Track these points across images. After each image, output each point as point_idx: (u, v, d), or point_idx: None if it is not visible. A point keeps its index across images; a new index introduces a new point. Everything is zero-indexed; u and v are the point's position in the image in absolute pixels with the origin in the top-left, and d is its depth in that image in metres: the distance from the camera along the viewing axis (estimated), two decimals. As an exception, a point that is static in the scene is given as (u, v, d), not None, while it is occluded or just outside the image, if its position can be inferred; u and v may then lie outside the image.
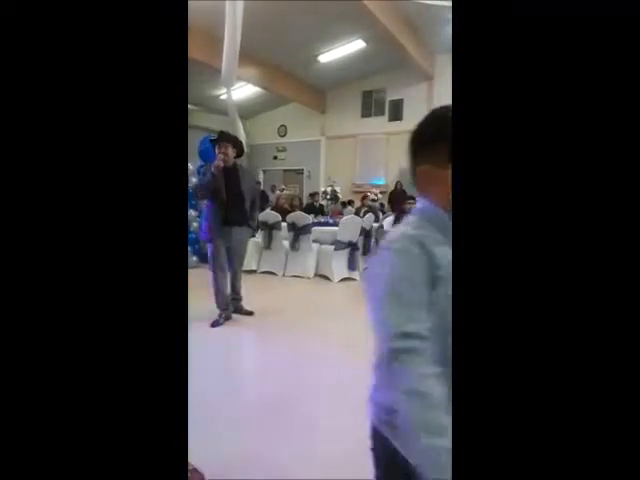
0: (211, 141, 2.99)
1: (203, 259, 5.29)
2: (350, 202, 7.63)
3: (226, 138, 2.90)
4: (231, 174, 2.91)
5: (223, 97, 4.46)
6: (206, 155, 5.23)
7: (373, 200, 6.55)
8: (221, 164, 2.78)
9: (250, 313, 3.20)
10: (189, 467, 0.64)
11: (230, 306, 3.10)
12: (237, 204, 2.90)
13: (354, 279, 4.72)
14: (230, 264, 3.03)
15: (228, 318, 3.03)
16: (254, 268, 4.95)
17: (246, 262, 4.90)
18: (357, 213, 5.96)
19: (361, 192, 8.26)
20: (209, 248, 2.96)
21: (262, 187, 9.91)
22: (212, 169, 2.80)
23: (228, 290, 3.08)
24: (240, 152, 2.99)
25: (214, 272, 2.92)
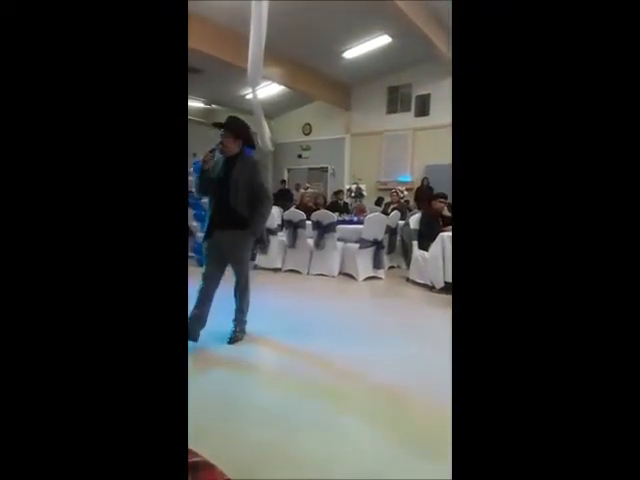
0: (213, 125, 2.51)
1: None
2: (379, 200, 7.57)
3: (227, 126, 2.38)
4: (229, 167, 2.39)
5: (249, 97, 4.51)
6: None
7: (399, 197, 6.45)
8: (208, 157, 2.31)
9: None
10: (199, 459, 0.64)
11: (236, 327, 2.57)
12: (224, 201, 2.34)
13: (380, 278, 4.67)
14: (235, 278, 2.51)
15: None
16: (279, 266, 4.98)
17: (270, 260, 5.00)
18: (385, 211, 5.88)
19: (386, 189, 8.16)
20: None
21: (287, 185, 10.00)
22: (200, 163, 2.38)
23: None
24: (248, 142, 2.47)
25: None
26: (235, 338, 2.53)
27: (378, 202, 7.46)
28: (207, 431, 1.51)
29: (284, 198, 6.87)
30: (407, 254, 4.99)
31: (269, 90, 8.66)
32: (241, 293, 2.54)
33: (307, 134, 10.89)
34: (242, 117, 2.52)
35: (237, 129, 2.42)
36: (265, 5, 3.23)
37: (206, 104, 8.84)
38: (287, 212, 5.02)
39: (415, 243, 4.49)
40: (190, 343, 2.25)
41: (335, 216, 4.85)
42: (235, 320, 2.58)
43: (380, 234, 4.65)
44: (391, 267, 5.22)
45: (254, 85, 3.71)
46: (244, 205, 2.35)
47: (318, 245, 4.72)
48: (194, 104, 8.56)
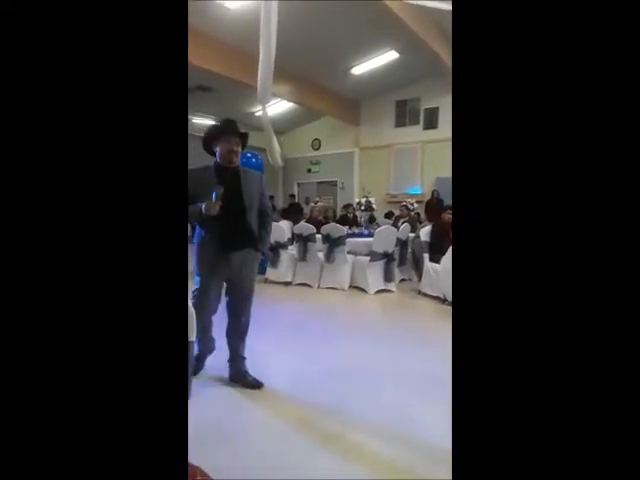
0: (208, 137, 2.05)
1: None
2: (389, 214, 7.57)
3: (235, 130, 2.01)
4: (229, 179, 1.98)
5: (259, 114, 4.60)
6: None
7: (409, 209, 6.43)
8: (215, 209, 1.86)
9: (258, 385, 2.09)
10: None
11: (235, 369, 2.16)
12: (238, 219, 1.99)
13: (391, 291, 4.63)
14: (230, 306, 2.11)
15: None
16: (289, 280, 4.98)
17: (281, 274, 5.00)
18: (395, 224, 5.87)
19: (396, 202, 8.15)
20: (195, 283, 2.03)
21: (297, 199, 10.06)
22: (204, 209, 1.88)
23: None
24: (244, 144, 2.08)
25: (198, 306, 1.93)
26: (236, 379, 2.14)
27: (388, 215, 7.45)
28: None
29: (294, 212, 6.90)
30: (418, 267, 4.95)
31: (279, 107, 8.81)
32: (246, 325, 2.15)
33: (316, 149, 11.00)
34: (253, 134, 2.42)
35: (240, 132, 2.05)
36: (274, 24, 3.32)
37: (217, 122, 9.02)
38: (297, 226, 5.04)
39: (426, 256, 4.46)
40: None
41: (345, 229, 4.85)
42: (234, 361, 2.15)
43: (390, 247, 4.63)
44: (402, 280, 5.17)
45: (264, 102, 3.79)
46: (255, 222, 2.09)
47: (328, 258, 4.72)
48: (205, 122, 8.76)
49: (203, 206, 1.88)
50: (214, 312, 2.13)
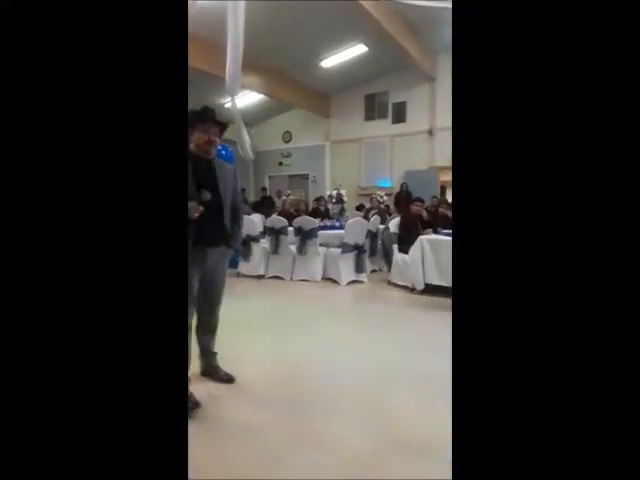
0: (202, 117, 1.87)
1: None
2: (361, 206, 7.68)
3: (212, 117, 1.88)
4: (205, 171, 1.86)
5: (228, 105, 4.53)
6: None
7: (379, 202, 6.56)
8: (197, 211, 1.75)
9: (230, 380, 2.09)
10: None
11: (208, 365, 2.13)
12: (214, 214, 1.87)
13: (362, 282, 4.73)
14: (204, 301, 2.02)
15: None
16: (262, 273, 4.98)
17: (253, 268, 4.98)
18: (366, 216, 5.97)
19: (367, 195, 8.27)
20: None
21: (268, 193, 9.98)
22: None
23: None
24: (221, 135, 1.96)
25: None
26: (209, 374, 2.13)
27: (359, 208, 7.56)
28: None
29: (266, 205, 6.87)
30: (388, 257, 5.07)
31: (248, 99, 8.68)
32: (216, 322, 2.11)
33: (287, 142, 10.93)
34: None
35: (220, 122, 1.91)
36: (242, 15, 3.28)
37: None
38: (269, 219, 5.04)
39: (395, 247, 4.58)
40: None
41: (317, 222, 4.89)
42: (205, 356, 2.13)
43: (361, 239, 4.72)
44: (373, 270, 5.29)
45: (233, 94, 3.74)
46: (229, 218, 1.98)
47: (301, 251, 4.75)
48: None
49: None
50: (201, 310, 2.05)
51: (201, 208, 1.75)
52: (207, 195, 1.77)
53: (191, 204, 1.72)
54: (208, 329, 2.11)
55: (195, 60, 6.13)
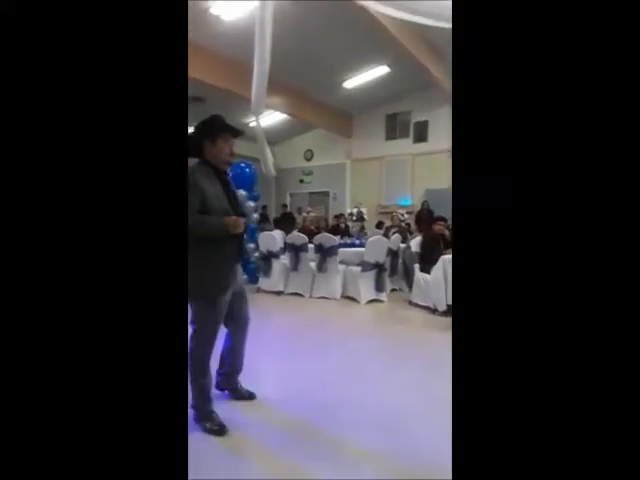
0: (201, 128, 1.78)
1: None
2: (380, 224, 7.64)
3: (230, 128, 1.79)
4: (226, 184, 1.81)
5: (252, 124, 4.65)
6: (238, 180, 5.38)
7: (400, 220, 6.50)
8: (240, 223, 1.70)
9: (251, 396, 2.06)
10: None
11: (231, 383, 2.06)
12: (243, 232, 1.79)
13: (382, 301, 4.66)
14: (236, 320, 1.93)
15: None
16: (281, 289, 4.98)
17: (274, 283, 4.99)
18: (386, 234, 5.92)
19: (387, 213, 8.22)
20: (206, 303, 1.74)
21: (289, 209, 10.08)
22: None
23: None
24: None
25: (203, 339, 1.75)
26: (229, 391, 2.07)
27: (379, 225, 7.52)
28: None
29: (287, 222, 6.92)
30: (409, 277, 4.99)
31: (272, 118, 8.89)
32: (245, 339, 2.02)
33: (309, 160, 11.08)
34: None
35: (239, 131, 1.82)
36: (269, 36, 3.38)
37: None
38: (289, 235, 5.06)
39: (417, 266, 4.50)
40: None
41: (337, 239, 4.88)
42: (230, 375, 2.07)
43: (382, 257, 4.67)
44: (393, 290, 5.20)
45: (257, 114, 3.83)
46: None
47: (320, 268, 4.73)
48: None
49: (219, 220, 1.68)
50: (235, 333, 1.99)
51: (244, 220, 1.71)
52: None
53: (235, 218, 1.69)
54: (239, 347, 2.00)
55: (220, 80, 6.35)
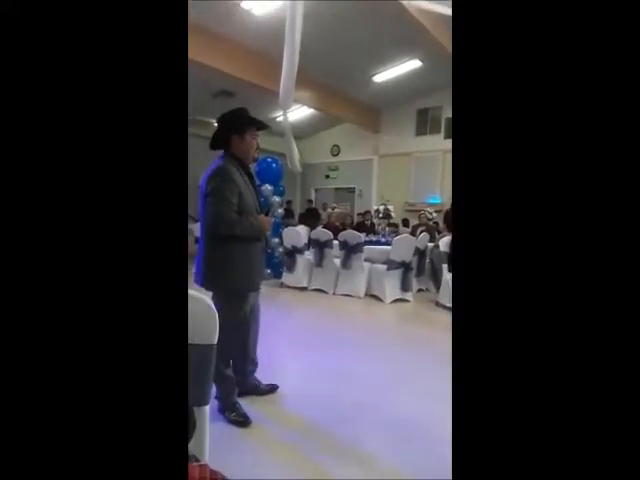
0: (227, 119, 1.76)
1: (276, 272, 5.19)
2: (405, 221, 7.52)
3: (256, 121, 1.77)
4: (252, 180, 1.79)
5: (279, 119, 4.64)
6: (264, 175, 5.41)
7: (428, 219, 6.35)
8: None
9: (272, 389, 2.06)
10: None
11: (248, 381, 2.02)
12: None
13: (407, 300, 4.56)
14: (251, 314, 1.93)
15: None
16: (305, 285, 4.97)
17: (297, 279, 5.01)
18: (413, 232, 5.79)
19: (415, 211, 8.06)
20: (233, 307, 1.73)
21: (314, 205, 10.08)
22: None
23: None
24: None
25: (230, 332, 1.67)
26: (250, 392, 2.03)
27: (404, 223, 7.39)
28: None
29: (311, 217, 6.90)
30: (437, 277, 4.86)
31: (299, 113, 8.88)
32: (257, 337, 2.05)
33: (335, 155, 11.01)
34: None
35: (264, 124, 1.81)
36: (298, 31, 3.34)
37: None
38: (314, 231, 5.03)
39: (445, 266, 4.38)
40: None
41: (362, 236, 4.81)
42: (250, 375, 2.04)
43: (408, 256, 4.57)
44: (420, 290, 5.09)
45: (285, 108, 3.81)
46: None
47: (345, 265, 4.69)
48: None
49: (256, 223, 1.70)
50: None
51: (272, 221, 1.79)
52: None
53: (268, 220, 1.75)
54: (253, 345, 2.00)
55: (249, 74, 6.38)
